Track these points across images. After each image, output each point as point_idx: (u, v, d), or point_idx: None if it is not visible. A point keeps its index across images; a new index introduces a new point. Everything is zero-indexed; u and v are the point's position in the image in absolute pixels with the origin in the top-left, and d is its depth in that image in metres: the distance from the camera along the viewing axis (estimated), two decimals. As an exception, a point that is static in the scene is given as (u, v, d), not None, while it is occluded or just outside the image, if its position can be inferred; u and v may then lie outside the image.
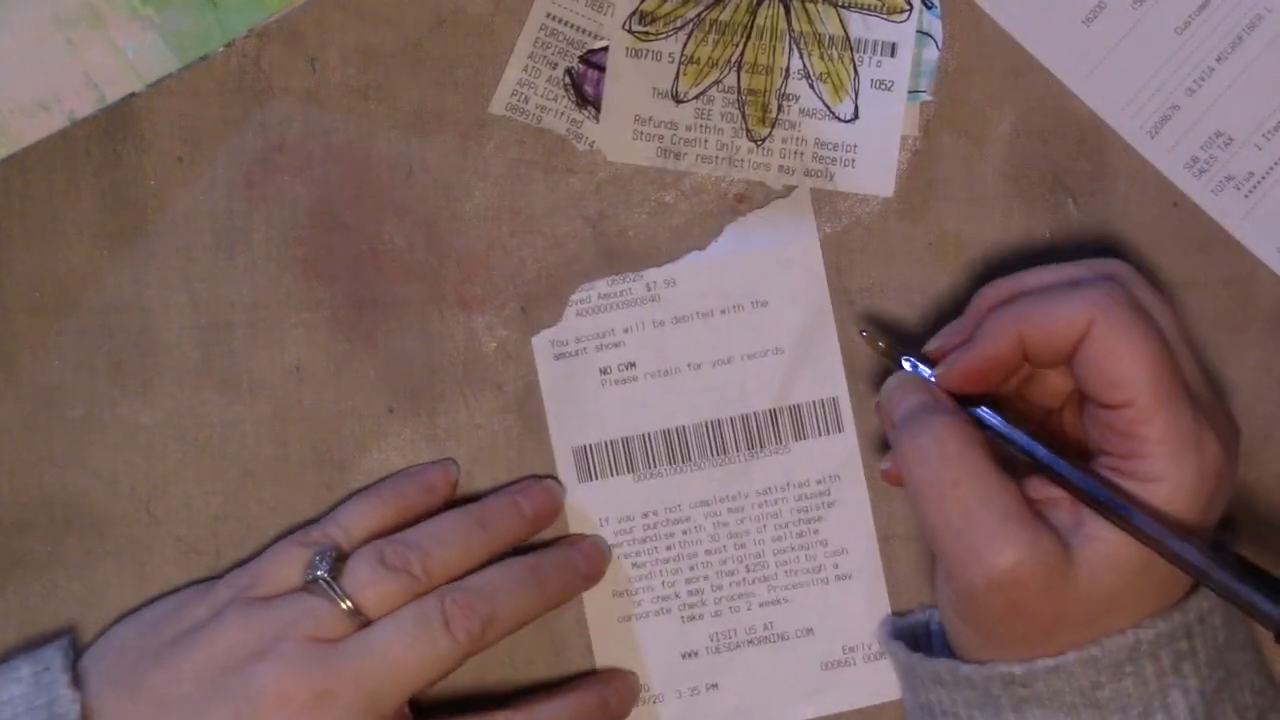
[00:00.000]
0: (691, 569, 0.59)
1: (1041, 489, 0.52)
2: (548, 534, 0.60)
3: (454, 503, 0.59)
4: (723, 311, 0.59)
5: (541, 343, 0.59)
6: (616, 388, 0.59)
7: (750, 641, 0.59)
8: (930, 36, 0.58)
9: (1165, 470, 0.50)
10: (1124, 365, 0.50)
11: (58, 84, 0.57)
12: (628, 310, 0.59)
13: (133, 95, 0.58)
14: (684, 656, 0.59)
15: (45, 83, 0.57)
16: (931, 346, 0.54)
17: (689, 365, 0.59)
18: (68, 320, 0.59)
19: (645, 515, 0.59)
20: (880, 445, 0.59)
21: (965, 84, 0.59)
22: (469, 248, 0.59)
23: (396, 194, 0.59)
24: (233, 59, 0.59)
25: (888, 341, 0.55)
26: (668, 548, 0.59)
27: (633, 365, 0.59)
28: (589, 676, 0.59)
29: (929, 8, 0.58)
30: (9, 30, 0.56)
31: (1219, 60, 0.58)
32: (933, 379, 0.53)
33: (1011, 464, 0.51)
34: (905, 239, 0.59)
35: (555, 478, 0.60)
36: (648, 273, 0.59)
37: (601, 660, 0.59)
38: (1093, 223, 0.59)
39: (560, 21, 0.59)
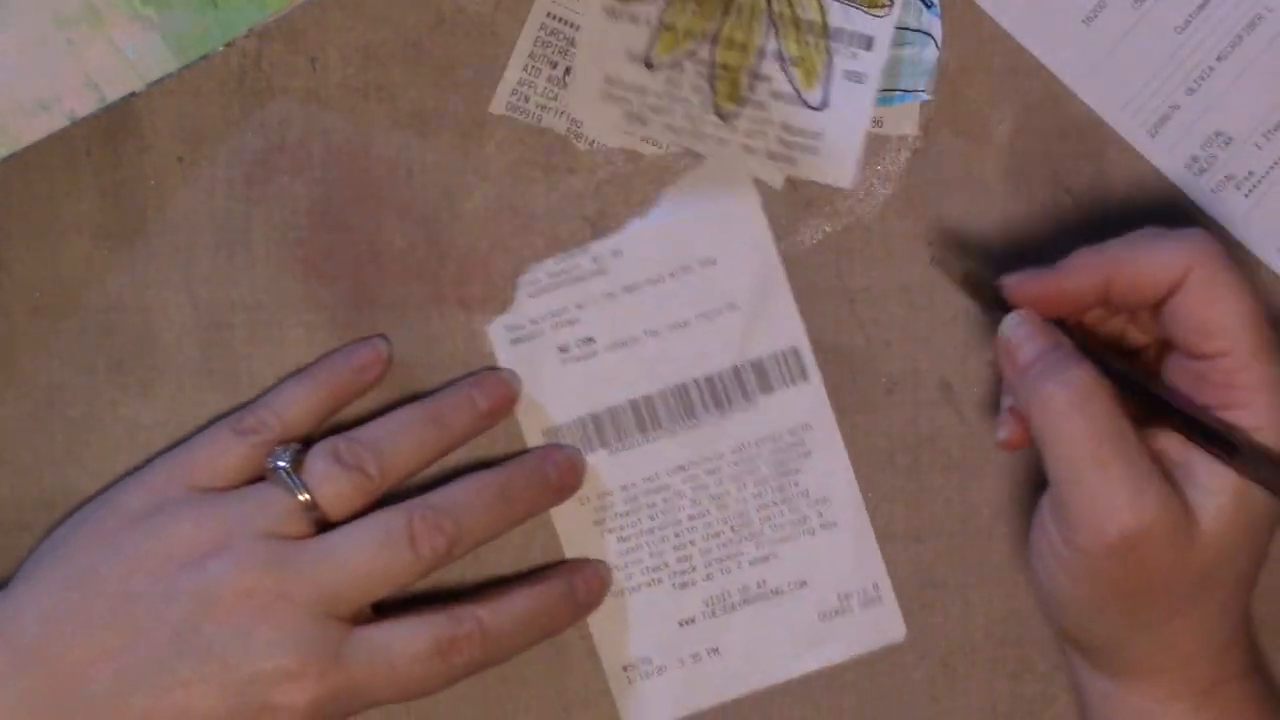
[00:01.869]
0: (677, 536, 0.59)
1: (1158, 440, 0.52)
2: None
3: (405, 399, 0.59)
4: (672, 275, 0.59)
5: (497, 329, 0.59)
6: (577, 364, 0.59)
7: (745, 601, 0.59)
8: (930, 36, 0.58)
9: (1267, 418, 0.50)
10: (1223, 313, 0.50)
11: (58, 84, 0.57)
12: (578, 285, 0.59)
13: (133, 95, 0.58)
14: (681, 624, 0.59)
15: (45, 83, 0.57)
16: (1010, 279, 0.54)
17: (646, 333, 0.59)
18: (68, 320, 0.59)
19: (624, 488, 0.59)
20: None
21: (965, 83, 0.59)
22: (469, 248, 0.59)
23: (396, 194, 0.59)
24: (233, 59, 0.59)
25: (970, 270, 0.55)
26: (650, 518, 0.59)
27: (591, 340, 0.59)
28: (557, 566, 0.59)
29: (928, 7, 0.58)
30: (9, 30, 0.56)
31: (1219, 60, 0.58)
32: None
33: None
34: (905, 239, 0.59)
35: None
36: (592, 245, 0.59)
37: (598, 636, 0.59)
38: (1093, 223, 0.59)
39: (561, 20, 0.59)
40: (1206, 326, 0.51)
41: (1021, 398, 0.52)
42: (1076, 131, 0.59)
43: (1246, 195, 0.59)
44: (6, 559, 0.59)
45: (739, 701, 0.60)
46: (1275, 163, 0.59)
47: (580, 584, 0.58)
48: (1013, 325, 0.53)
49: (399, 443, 0.56)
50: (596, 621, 0.59)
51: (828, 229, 0.59)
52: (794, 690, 0.59)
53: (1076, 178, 0.59)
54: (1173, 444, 0.51)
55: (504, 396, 0.58)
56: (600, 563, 0.59)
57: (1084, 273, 0.52)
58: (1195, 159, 0.59)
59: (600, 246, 0.59)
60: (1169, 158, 0.59)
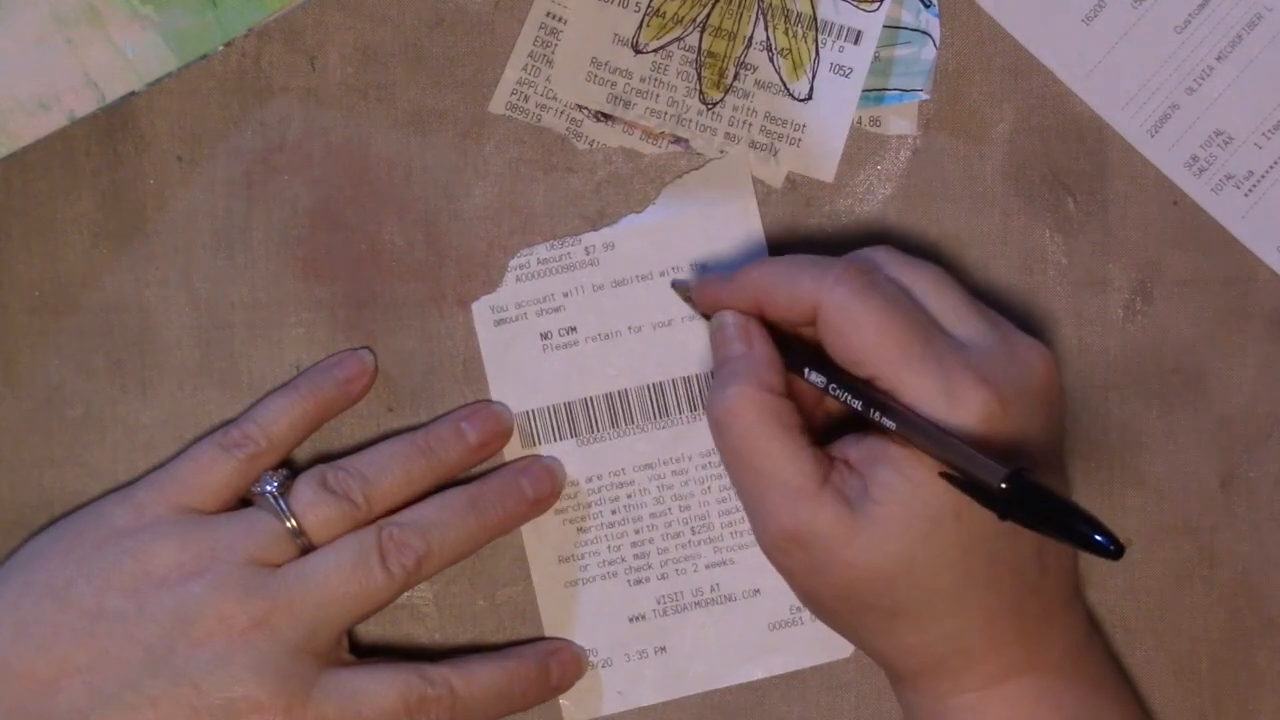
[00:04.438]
0: (637, 532, 0.59)
1: (843, 448, 0.53)
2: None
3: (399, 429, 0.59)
4: (662, 274, 0.59)
5: (481, 309, 0.59)
6: (558, 353, 0.59)
7: (697, 603, 0.59)
8: (928, 35, 0.58)
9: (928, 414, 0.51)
10: (854, 346, 0.52)
11: (58, 83, 0.57)
12: (567, 275, 0.59)
13: (132, 94, 0.58)
14: (631, 620, 0.59)
15: (45, 82, 0.57)
16: (691, 282, 0.58)
17: (629, 328, 0.59)
18: (68, 320, 0.59)
19: (589, 480, 0.59)
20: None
21: (964, 83, 0.59)
22: (469, 247, 0.59)
23: (396, 193, 0.59)
24: (232, 58, 0.59)
25: (675, 283, 0.58)
26: (613, 511, 0.59)
27: (573, 330, 0.59)
28: (535, 643, 0.59)
29: (927, 6, 0.58)
30: (9, 30, 0.57)
31: (1219, 59, 0.58)
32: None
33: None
34: (905, 239, 0.59)
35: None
36: (586, 236, 0.59)
37: (549, 625, 0.59)
38: (1093, 222, 0.59)
39: (560, 20, 0.59)
40: (845, 356, 0.52)
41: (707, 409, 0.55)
42: (1076, 131, 0.59)
43: (1246, 195, 0.59)
44: (7, 559, 0.59)
45: (737, 699, 0.59)
46: (1275, 163, 0.59)
47: (555, 667, 0.58)
48: (710, 328, 0.56)
49: (387, 472, 0.56)
50: (548, 610, 0.59)
51: (828, 229, 0.59)
52: (793, 689, 0.59)
53: (1076, 178, 0.59)
54: (858, 454, 0.52)
55: (495, 430, 0.59)
56: (579, 648, 0.59)
57: (741, 287, 0.55)
58: (1195, 159, 0.59)
59: (594, 238, 0.59)
60: (1169, 157, 0.59)
